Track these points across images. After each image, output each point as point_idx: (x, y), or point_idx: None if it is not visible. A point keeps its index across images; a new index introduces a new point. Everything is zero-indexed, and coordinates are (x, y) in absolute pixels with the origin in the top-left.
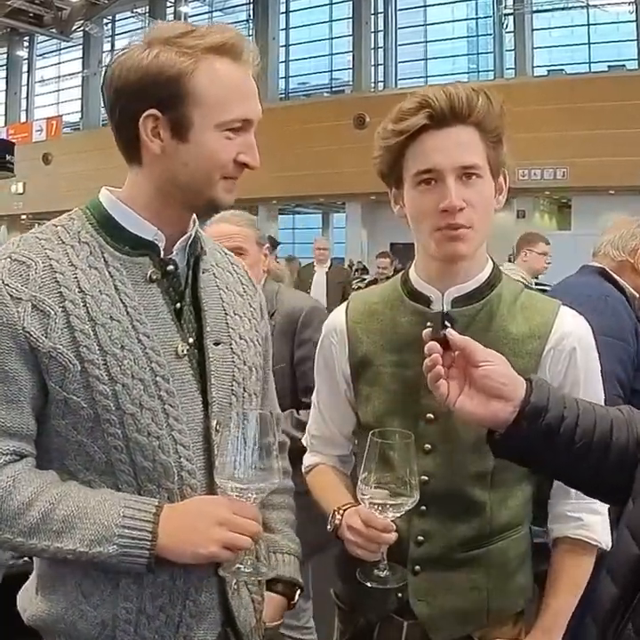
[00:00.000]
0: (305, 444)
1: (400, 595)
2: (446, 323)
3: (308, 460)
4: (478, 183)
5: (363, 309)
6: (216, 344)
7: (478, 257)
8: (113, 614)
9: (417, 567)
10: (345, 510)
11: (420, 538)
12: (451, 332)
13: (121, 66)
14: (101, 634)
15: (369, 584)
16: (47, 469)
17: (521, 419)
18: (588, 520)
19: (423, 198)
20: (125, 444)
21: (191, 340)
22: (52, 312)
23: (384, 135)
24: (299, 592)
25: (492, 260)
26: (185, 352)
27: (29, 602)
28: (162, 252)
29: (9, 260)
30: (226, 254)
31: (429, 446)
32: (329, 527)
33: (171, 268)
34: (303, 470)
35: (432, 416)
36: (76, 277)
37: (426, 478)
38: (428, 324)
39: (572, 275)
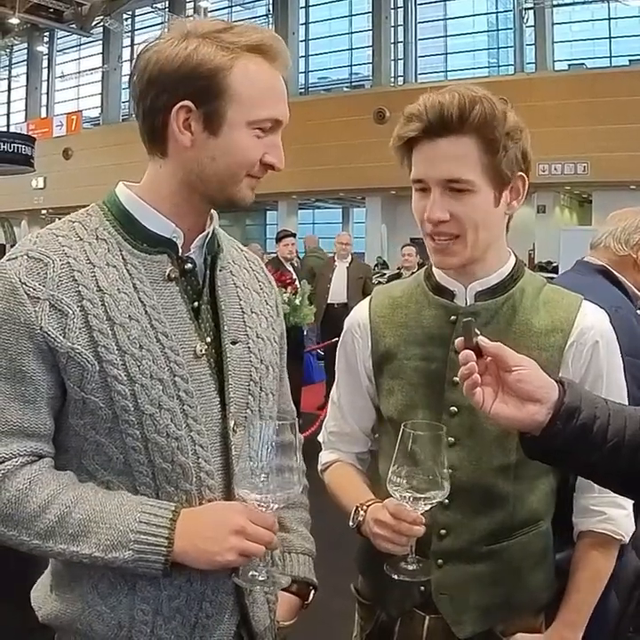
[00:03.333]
0: (321, 441)
1: (422, 589)
2: (476, 330)
3: (325, 456)
4: (468, 197)
5: (386, 303)
6: (233, 343)
7: (497, 252)
8: (130, 616)
9: (439, 560)
10: (368, 506)
11: (443, 531)
12: (482, 340)
13: (157, 55)
14: (118, 635)
15: (396, 577)
16: (65, 469)
17: (556, 419)
18: (611, 514)
19: (418, 204)
20: (144, 445)
21: (209, 340)
22: (70, 311)
23: (393, 137)
24: (313, 592)
25: (515, 254)
26: (203, 352)
27: (44, 600)
28: (180, 250)
29: (26, 257)
30: (242, 251)
31: (453, 439)
32: (351, 523)
33: (189, 266)
34: (320, 467)
35: (455, 409)
36: (94, 276)
37: (449, 471)
38: (452, 318)
39: (569, 271)
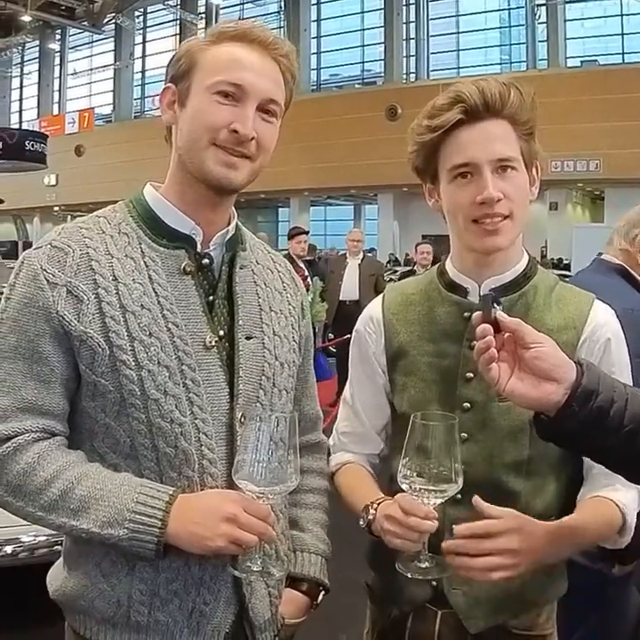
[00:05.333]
0: (331, 445)
1: (434, 584)
2: (495, 305)
3: (336, 458)
4: (514, 175)
5: (400, 300)
6: (248, 338)
7: (514, 248)
8: (128, 595)
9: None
10: (379, 504)
11: (454, 526)
12: (501, 315)
13: None
14: (117, 613)
15: (410, 575)
16: (79, 449)
17: (572, 401)
18: (621, 488)
19: (460, 192)
20: (148, 429)
21: (222, 333)
22: (86, 298)
23: (419, 131)
24: (323, 593)
25: (528, 252)
26: (213, 343)
27: (56, 577)
28: (198, 246)
29: (49, 246)
30: (269, 253)
31: (465, 435)
32: (361, 522)
33: (206, 261)
34: (331, 469)
35: (468, 405)
36: (111, 265)
37: (462, 467)
38: (465, 315)
39: (586, 269)
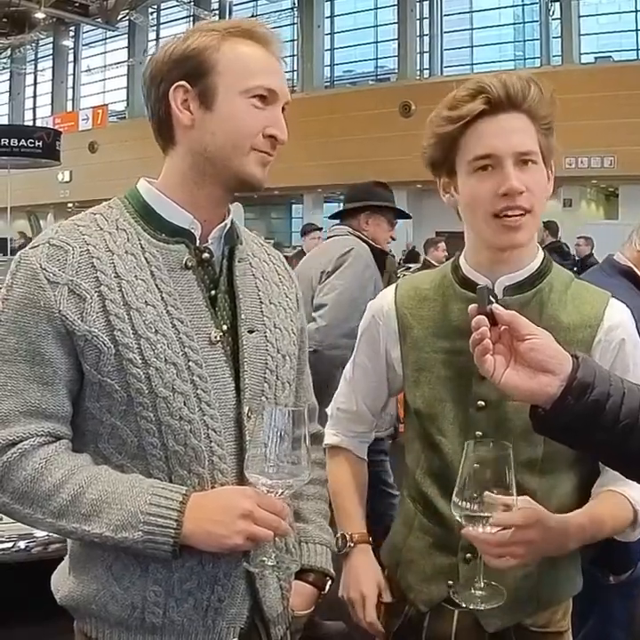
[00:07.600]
0: (329, 413)
1: (451, 583)
2: (491, 298)
3: (328, 437)
4: (534, 169)
5: (412, 295)
6: (250, 332)
7: (530, 245)
8: (142, 597)
9: (468, 555)
10: (356, 542)
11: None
12: (497, 307)
13: (158, 53)
14: (131, 616)
15: (464, 605)
16: (82, 452)
17: (567, 394)
18: (635, 484)
19: (480, 185)
20: (157, 428)
21: (225, 328)
22: (88, 296)
23: (438, 123)
24: (329, 583)
25: (544, 249)
26: (218, 338)
27: (62, 582)
28: (197, 241)
29: (47, 245)
30: (262, 245)
31: (480, 434)
32: (337, 551)
33: (206, 255)
34: (323, 444)
35: (482, 403)
36: (112, 262)
37: (477, 465)
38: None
39: (595, 269)
